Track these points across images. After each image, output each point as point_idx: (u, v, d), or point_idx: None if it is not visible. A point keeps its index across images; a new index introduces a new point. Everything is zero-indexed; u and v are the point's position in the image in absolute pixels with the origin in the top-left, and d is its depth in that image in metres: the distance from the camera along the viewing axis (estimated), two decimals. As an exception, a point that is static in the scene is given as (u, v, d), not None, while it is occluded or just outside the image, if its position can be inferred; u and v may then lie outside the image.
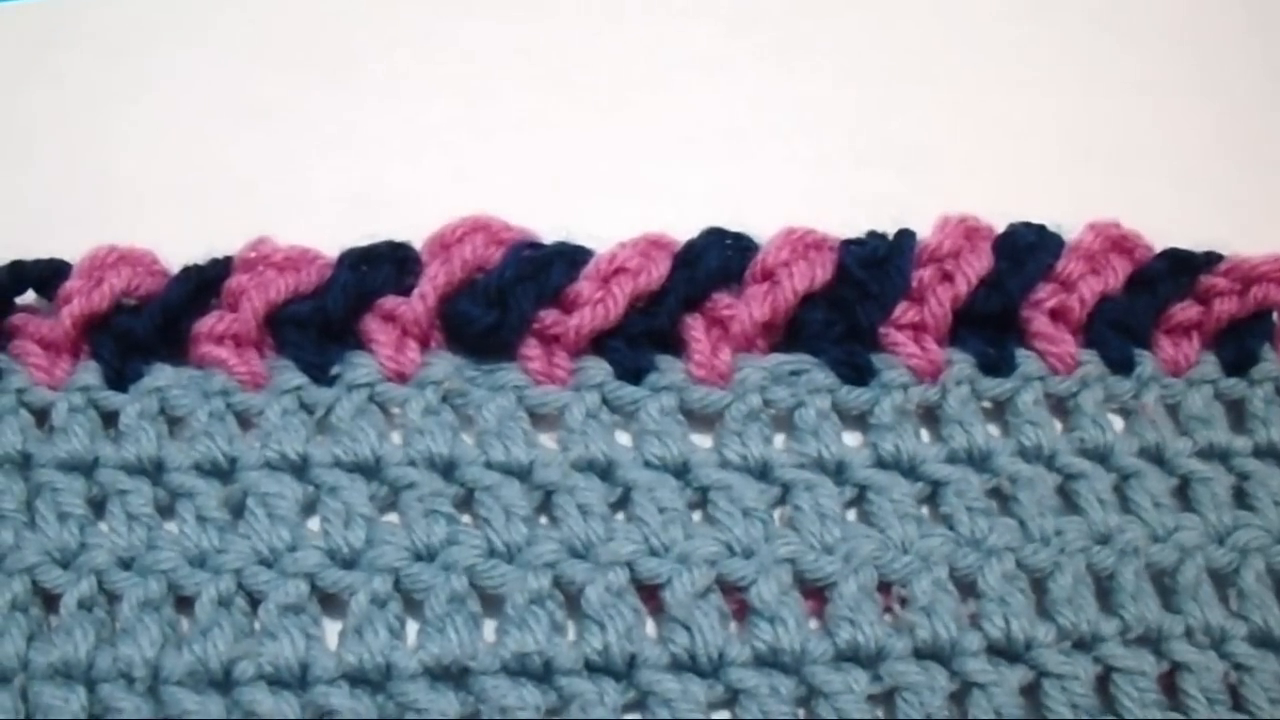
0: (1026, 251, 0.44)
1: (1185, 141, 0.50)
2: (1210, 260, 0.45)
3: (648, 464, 0.41)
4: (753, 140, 0.49)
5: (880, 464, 0.42)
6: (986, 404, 0.43)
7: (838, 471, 0.41)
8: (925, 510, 0.42)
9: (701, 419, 0.42)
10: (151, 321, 0.42)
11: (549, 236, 0.44)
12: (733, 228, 0.44)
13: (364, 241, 0.43)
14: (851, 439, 0.43)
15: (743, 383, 0.42)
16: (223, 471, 0.40)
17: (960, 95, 0.51)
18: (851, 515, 0.42)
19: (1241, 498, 0.43)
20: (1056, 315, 0.44)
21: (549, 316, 0.42)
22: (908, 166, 0.48)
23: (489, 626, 0.39)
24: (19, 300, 0.43)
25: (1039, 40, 0.52)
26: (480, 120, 0.49)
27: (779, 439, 0.42)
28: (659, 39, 0.51)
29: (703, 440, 0.42)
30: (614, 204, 0.46)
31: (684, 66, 0.50)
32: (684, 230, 0.44)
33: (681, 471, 0.41)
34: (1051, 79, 0.51)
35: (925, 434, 0.43)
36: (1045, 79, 0.51)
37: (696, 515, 0.41)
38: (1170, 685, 0.39)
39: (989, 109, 0.50)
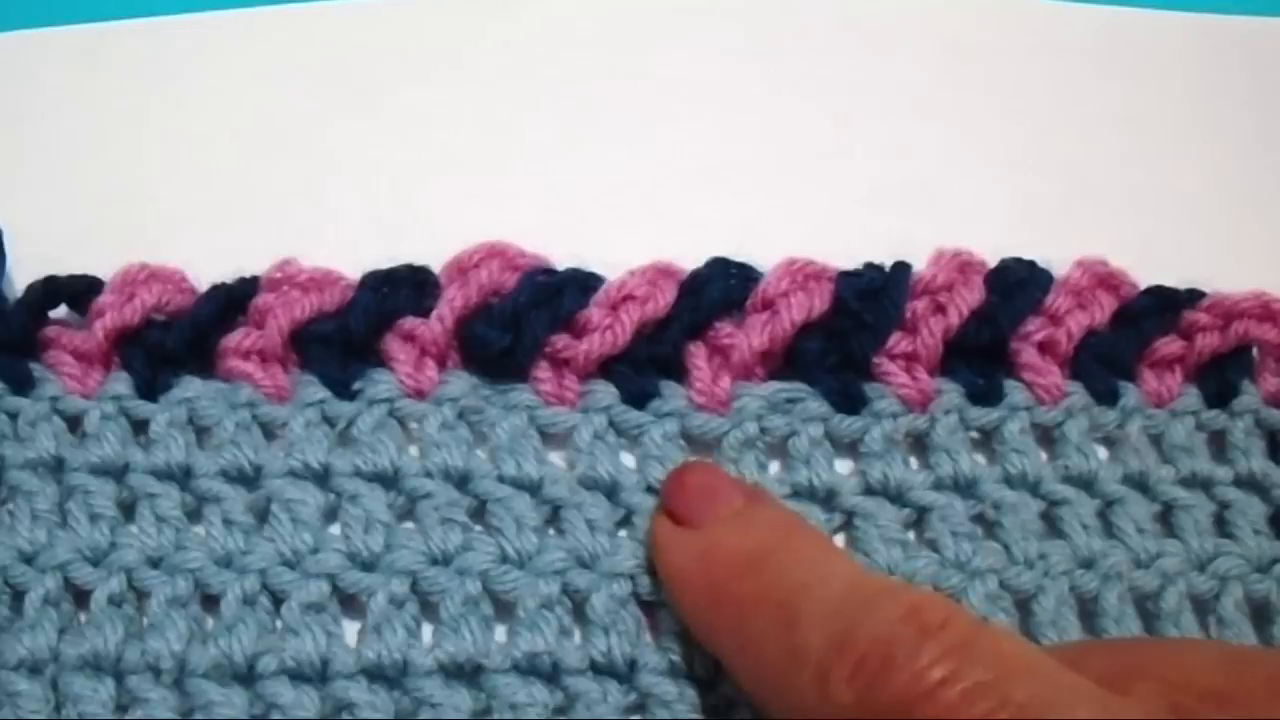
0: (1017, 286, 0.45)
1: (1172, 181, 0.51)
2: (1193, 297, 0.46)
3: (650, 488, 0.42)
4: (763, 172, 0.50)
5: (868, 491, 0.42)
6: (974, 433, 0.44)
7: (827, 499, 0.42)
8: (911, 535, 0.42)
9: (702, 444, 0.43)
10: (181, 336, 0.43)
11: (562, 262, 0.45)
12: (740, 257, 0.45)
13: (386, 264, 0.44)
14: (844, 466, 0.43)
15: (741, 410, 0.43)
16: (248, 478, 0.42)
17: (964, 134, 0.51)
18: (840, 540, 0.42)
19: (1222, 525, 0.43)
20: (1044, 348, 0.45)
21: (560, 341, 0.43)
22: (913, 201, 0.49)
23: (499, 629, 0.40)
24: (53, 314, 0.44)
25: (1042, 83, 0.53)
26: (499, 149, 0.50)
27: (774, 465, 0.43)
28: (674, 76, 0.52)
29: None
30: (627, 231, 0.47)
31: (698, 101, 0.51)
32: (693, 259, 0.45)
33: None
34: (1051, 121, 0.52)
35: (915, 461, 0.44)
36: (1046, 120, 0.52)
37: None
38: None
39: (991, 148, 0.51)
